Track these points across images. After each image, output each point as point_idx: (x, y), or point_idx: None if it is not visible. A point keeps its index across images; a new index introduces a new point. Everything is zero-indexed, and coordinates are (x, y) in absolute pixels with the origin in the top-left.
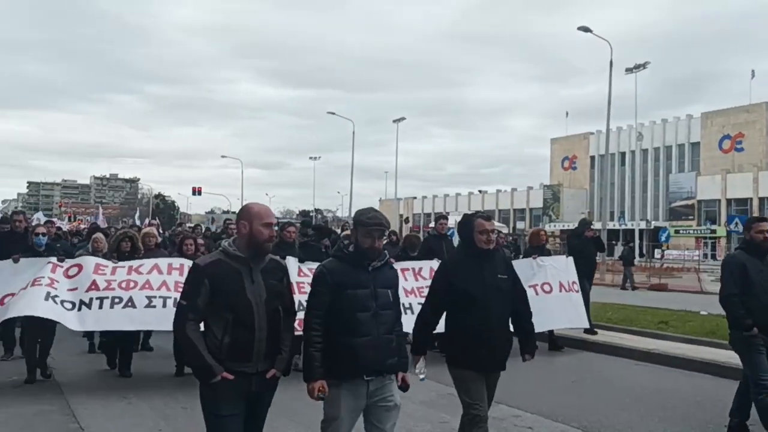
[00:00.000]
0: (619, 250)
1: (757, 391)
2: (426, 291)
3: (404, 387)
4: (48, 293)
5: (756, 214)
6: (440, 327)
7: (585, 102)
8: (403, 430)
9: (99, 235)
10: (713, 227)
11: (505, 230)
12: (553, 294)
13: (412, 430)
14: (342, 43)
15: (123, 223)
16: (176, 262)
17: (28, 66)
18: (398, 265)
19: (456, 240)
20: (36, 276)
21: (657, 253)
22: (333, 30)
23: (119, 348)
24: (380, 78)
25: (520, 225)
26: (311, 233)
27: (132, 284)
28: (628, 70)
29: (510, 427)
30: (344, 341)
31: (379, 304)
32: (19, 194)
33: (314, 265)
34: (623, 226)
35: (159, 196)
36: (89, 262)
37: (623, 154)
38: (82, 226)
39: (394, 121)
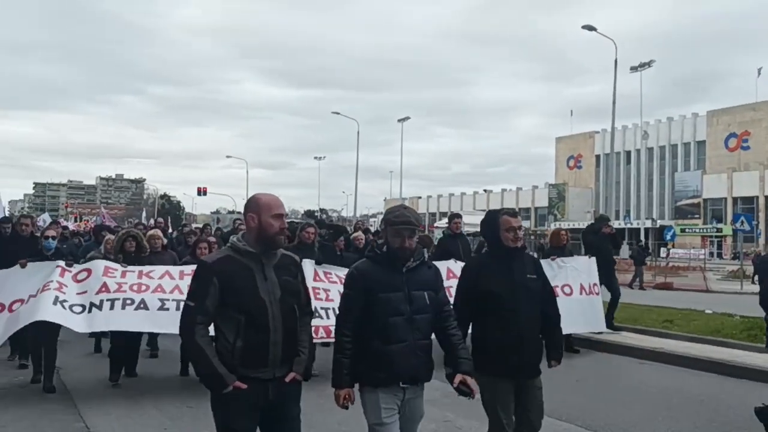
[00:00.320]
0: (625, 249)
1: None
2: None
3: (465, 391)
4: (56, 297)
5: (762, 212)
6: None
7: (590, 101)
8: None
9: (111, 236)
10: (719, 226)
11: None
12: (573, 296)
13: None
14: (347, 43)
15: (129, 222)
16: (188, 269)
17: (34, 67)
18: None
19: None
20: (45, 282)
21: (663, 251)
22: (338, 30)
23: (126, 351)
24: (385, 78)
25: (525, 224)
26: (325, 233)
27: (144, 287)
28: (633, 69)
29: None
30: (379, 347)
31: (413, 308)
32: (25, 195)
33: (330, 269)
34: (629, 225)
35: (164, 196)
36: (98, 265)
37: (629, 153)
38: (88, 227)
39: (399, 121)
